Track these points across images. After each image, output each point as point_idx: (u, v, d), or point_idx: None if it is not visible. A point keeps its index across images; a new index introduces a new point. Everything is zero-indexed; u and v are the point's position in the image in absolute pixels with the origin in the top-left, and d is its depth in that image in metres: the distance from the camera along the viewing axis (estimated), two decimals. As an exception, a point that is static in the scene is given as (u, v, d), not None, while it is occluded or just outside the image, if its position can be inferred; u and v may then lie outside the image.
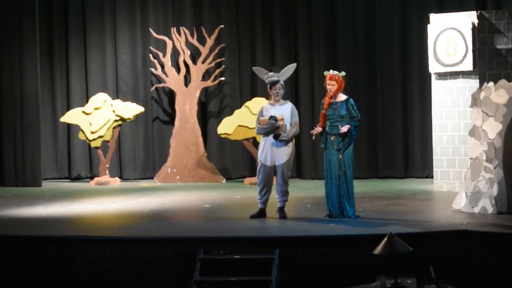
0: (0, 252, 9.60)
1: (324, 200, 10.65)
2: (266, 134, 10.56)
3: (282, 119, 10.49)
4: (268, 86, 10.73)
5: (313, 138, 10.86)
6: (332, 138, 10.44)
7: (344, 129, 10.29)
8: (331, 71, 10.61)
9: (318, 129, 10.50)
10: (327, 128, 10.47)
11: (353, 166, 10.52)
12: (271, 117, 10.48)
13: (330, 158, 10.46)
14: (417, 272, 7.60)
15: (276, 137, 10.50)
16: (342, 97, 10.51)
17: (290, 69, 10.90)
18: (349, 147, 10.42)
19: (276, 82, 10.64)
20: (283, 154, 10.53)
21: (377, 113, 15.78)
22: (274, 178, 10.73)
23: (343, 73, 10.57)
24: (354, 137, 10.47)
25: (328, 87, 10.50)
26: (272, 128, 10.49)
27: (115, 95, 16.43)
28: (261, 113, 10.69)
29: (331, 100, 10.49)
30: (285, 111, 10.58)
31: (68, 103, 16.68)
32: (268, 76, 10.73)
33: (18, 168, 15.74)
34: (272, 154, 10.53)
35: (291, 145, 10.61)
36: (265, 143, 10.58)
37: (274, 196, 10.68)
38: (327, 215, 10.54)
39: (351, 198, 10.47)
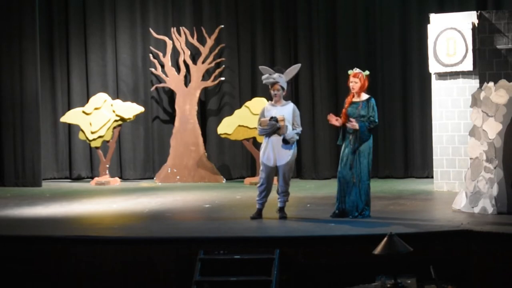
0: (0, 252, 9.60)
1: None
2: (268, 134, 10.54)
3: (283, 120, 10.44)
4: (269, 86, 10.71)
5: (327, 118, 10.60)
6: (350, 137, 10.40)
7: (353, 123, 10.23)
8: (355, 69, 10.55)
9: (338, 121, 10.38)
10: (347, 128, 10.41)
11: (370, 168, 10.45)
12: (272, 118, 10.46)
13: (346, 156, 10.42)
14: (417, 272, 7.60)
15: (286, 141, 10.48)
16: (364, 96, 10.47)
17: (294, 69, 10.82)
18: (366, 149, 10.34)
19: (274, 83, 10.61)
20: (285, 155, 10.50)
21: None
22: (275, 178, 10.73)
23: (367, 72, 10.53)
24: (368, 137, 10.33)
25: (351, 84, 10.44)
26: (273, 129, 10.47)
27: (115, 95, 16.43)
28: (262, 114, 10.66)
29: (353, 99, 10.46)
30: (286, 112, 10.54)
31: (68, 103, 16.68)
32: (264, 78, 10.69)
33: (18, 168, 15.73)
34: (274, 154, 10.50)
35: (294, 145, 10.58)
36: (267, 144, 10.54)
37: (275, 196, 10.68)
38: (331, 214, 10.51)
39: (364, 200, 10.42)
